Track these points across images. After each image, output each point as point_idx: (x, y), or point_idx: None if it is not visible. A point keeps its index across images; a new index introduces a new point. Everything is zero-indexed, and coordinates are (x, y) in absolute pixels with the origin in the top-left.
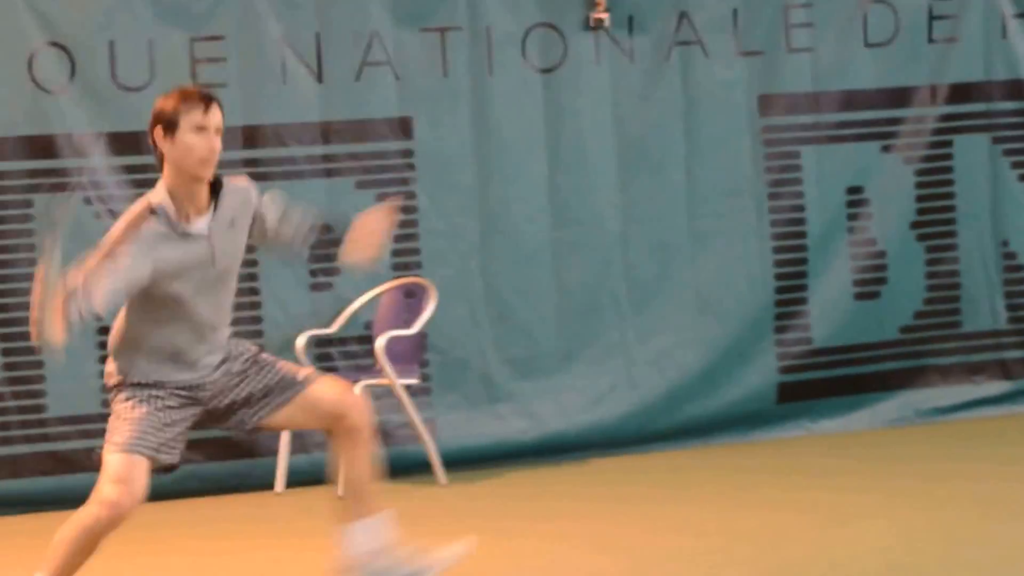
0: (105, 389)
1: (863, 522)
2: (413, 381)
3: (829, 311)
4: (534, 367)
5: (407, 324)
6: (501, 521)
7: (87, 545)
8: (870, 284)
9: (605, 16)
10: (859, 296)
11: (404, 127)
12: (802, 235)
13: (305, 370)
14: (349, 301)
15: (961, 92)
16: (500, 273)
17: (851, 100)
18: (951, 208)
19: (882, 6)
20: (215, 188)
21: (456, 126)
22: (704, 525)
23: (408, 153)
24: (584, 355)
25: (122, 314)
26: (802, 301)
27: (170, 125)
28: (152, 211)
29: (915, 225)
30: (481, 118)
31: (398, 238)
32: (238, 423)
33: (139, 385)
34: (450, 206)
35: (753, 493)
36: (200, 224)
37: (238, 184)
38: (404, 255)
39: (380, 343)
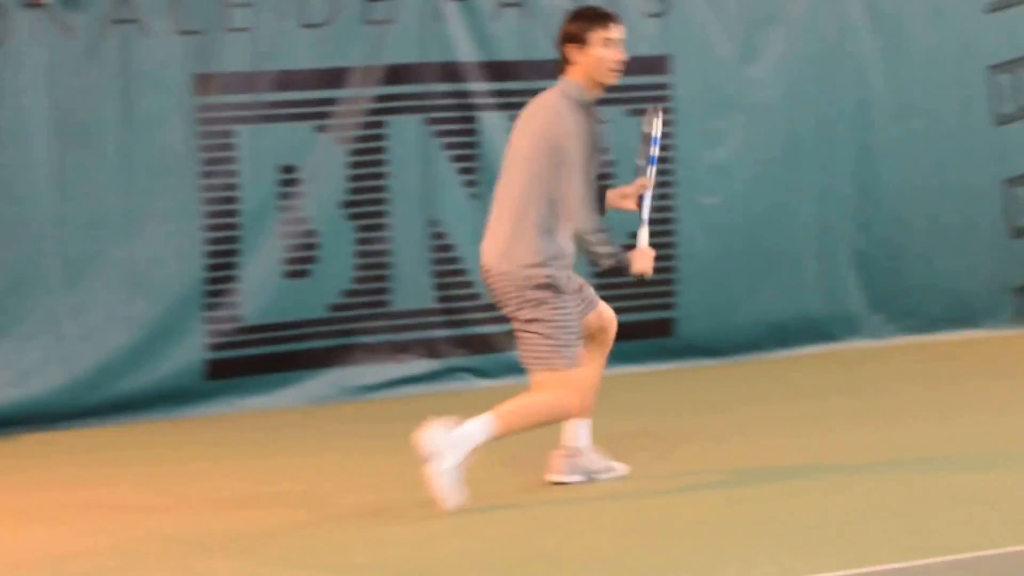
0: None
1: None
2: None
3: (259, 289)
4: None
5: None
6: None
7: (542, 423)
8: (300, 262)
9: None
10: (289, 274)
11: None
12: (234, 213)
13: None
14: None
15: (396, 73)
16: None
17: (287, 80)
18: (383, 188)
19: None
20: None
21: None
22: (123, 500)
23: None
24: (13, 331)
25: (536, 215)
26: (233, 279)
27: (581, 40)
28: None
29: (346, 205)
30: None
31: None
32: None
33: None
34: None
35: (169, 468)
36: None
37: None
38: None
39: None
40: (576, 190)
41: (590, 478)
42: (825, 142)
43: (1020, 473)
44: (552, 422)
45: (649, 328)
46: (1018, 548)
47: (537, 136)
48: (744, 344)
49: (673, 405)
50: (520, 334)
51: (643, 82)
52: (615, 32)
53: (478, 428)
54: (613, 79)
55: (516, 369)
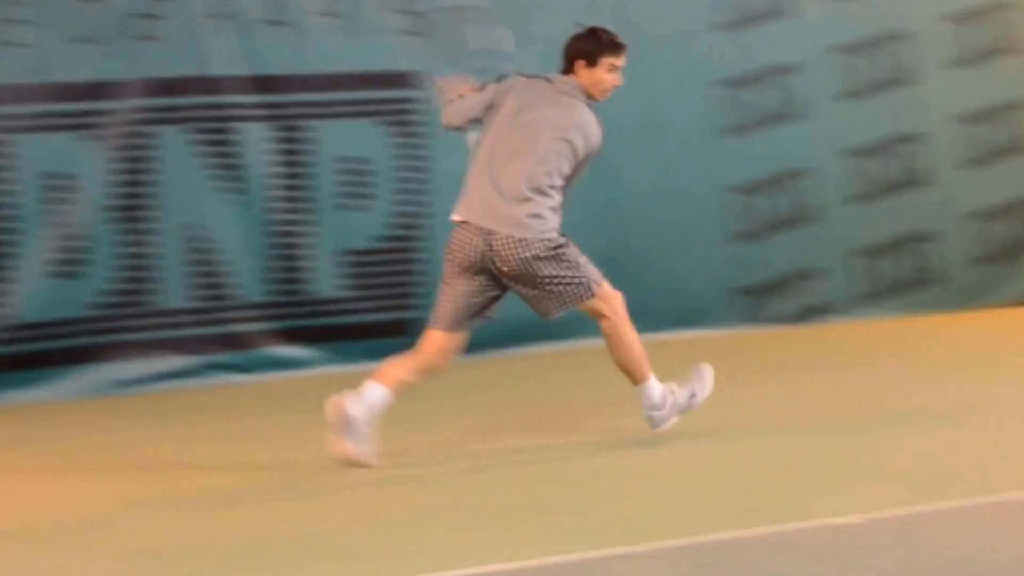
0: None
1: None
2: None
3: (30, 289)
4: None
5: None
6: None
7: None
8: (69, 264)
9: None
10: (58, 275)
11: None
12: (6, 218)
13: None
14: None
15: (162, 86)
16: None
17: (56, 92)
18: (148, 195)
19: (100, 4)
20: None
21: None
22: None
23: None
24: None
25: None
26: (4, 280)
27: (591, 60)
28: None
29: (113, 210)
30: None
31: None
32: None
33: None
34: None
35: None
36: None
37: None
38: None
39: None
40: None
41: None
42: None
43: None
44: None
45: (388, 328)
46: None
47: (576, 127)
48: (479, 344)
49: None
50: (543, 291)
51: (395, 96)
52: (621, 61)
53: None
54: (603, 99)
55: (273, 364)
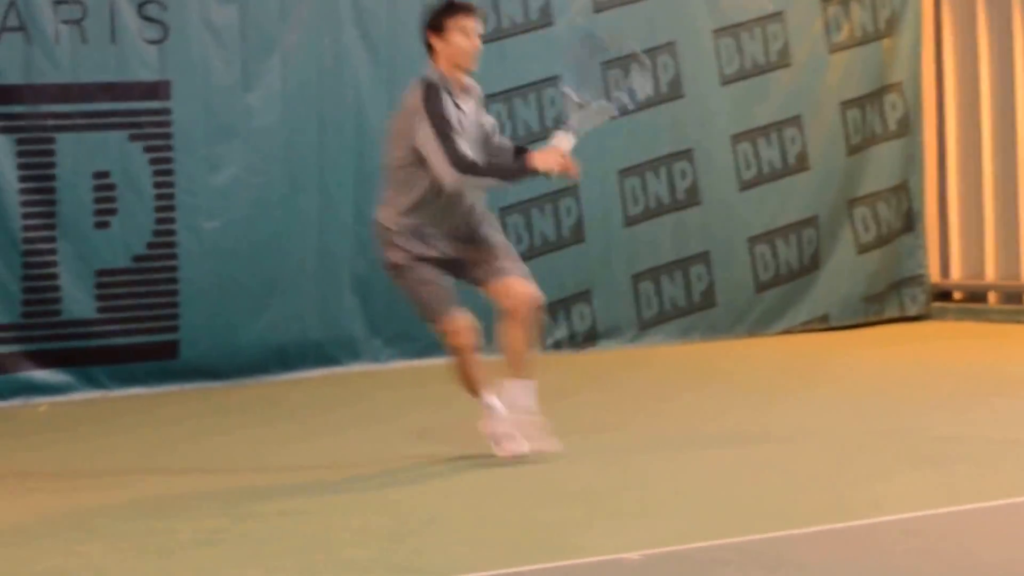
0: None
1: None
2: None
3: None
4: None
5: None
6: None
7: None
8: None
9: None
10: None
11: None
12: None
13: None
14: None
15: None
16: None
17: None
18: None
19: None
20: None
21: None
22: None
23: None
24: None
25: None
26: None
27: (439, 28)
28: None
29: None
30: None
31: None
32: None
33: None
34: None
35: None
36: (464, 103)
37: (471, 81)
38: None
39: None
40: (434, 150)
41: None
42: (324, 168)
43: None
44: None
45: (154, 350)
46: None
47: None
48: (246, 367)
49: (180, 422)
50: None
51: (144, 107)
52: (472, 22)
53: None
54: (472, 64)
55: (22, 389)
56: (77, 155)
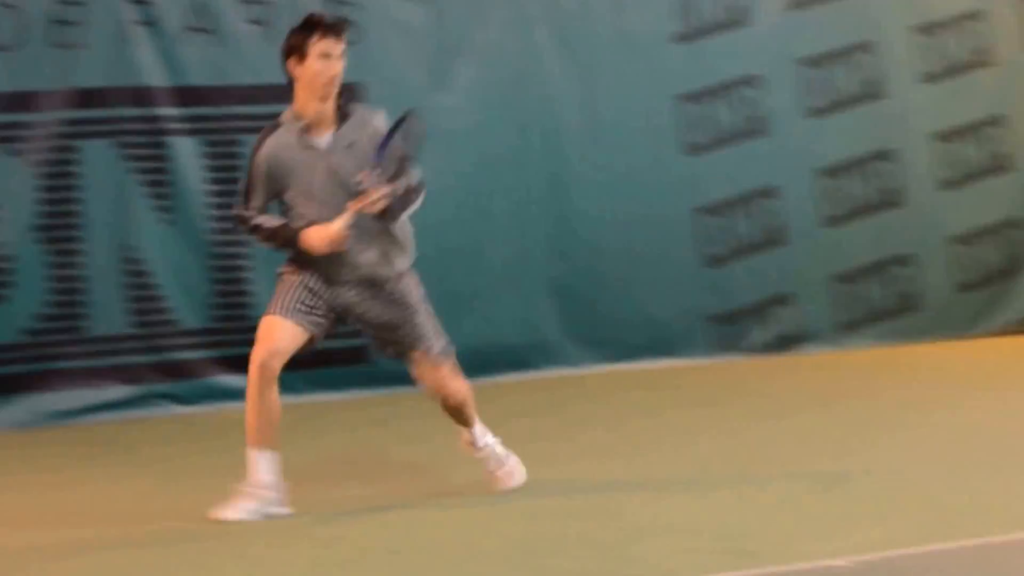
0: None
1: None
2: None
3: None
4: None
5: None
6: None
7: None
8: None
9: None
10: None
11: None
12: None
13: None
14: None
15: (86, 97)
16: None
17: None
18: (75, 213)
19: (4, 9)
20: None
21: None
22: None
23: None
24: None
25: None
26: None
27: (302, 53)
28: (278, 124)
29: (39, 229)
30: None
31: None
32: None
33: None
34: None
35: None
36: (321, 140)
37: (365, 113)
38: None
39: None
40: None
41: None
42: (519, 170)
43: (716, 499)
44: None
45: (347, 355)
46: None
47: None
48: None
49: (374, 433)
50: None
51: None
52: (332, 43)
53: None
54: (330, 90)
55: (214, 395)
56: None
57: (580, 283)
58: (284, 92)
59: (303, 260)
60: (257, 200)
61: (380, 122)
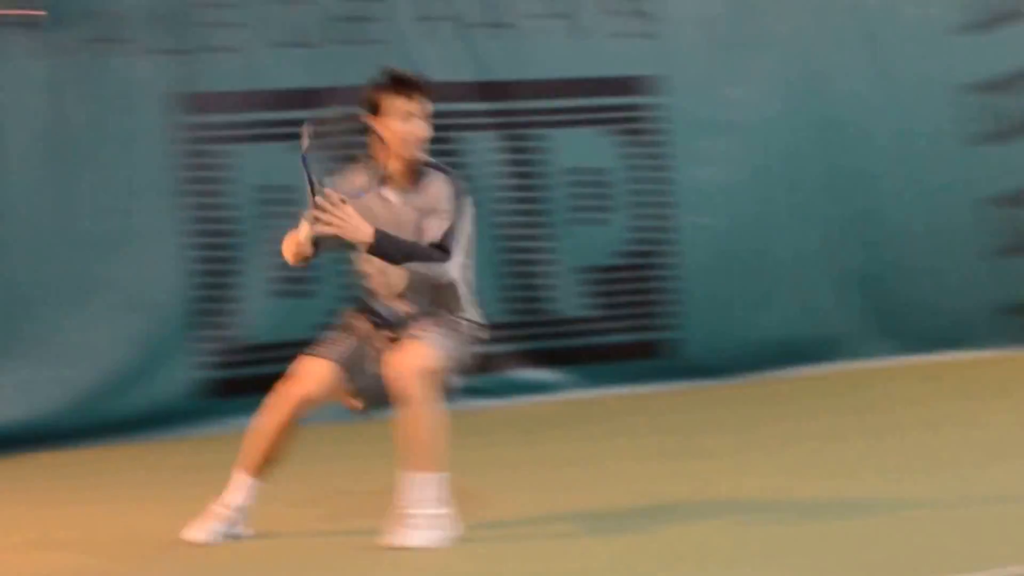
0: None
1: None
2: None
3: (255, 308)
4: None
5: None
6: None
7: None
8: (294, 282)
9: (28, 12)
10: (284, 293)
11: None
12: (224, 233)
13: None
14: None
15: None
16: None
17: (274, 100)
18: None
19: (309, 6)
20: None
21: None
22: (135, 521)
23: None
24: (15, 350)
25: None
26: (226, 299)
27: (376, 110)
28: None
29: None
30: None
31: None
32: None
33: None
34: None
35: (176, 490)
36: (393, 195)
37: (442, 181)
38: None
39: None
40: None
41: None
42: (822, 161)
43: None
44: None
45: (646, 348)
46: None
47: None
48: (747, 364)
49: (680, 424)
50: None
51: (634, 102)
52: (415, 105)
53: None
54: (413, 152)
55: (512, 389)
56: (565, 151)
57: (874, 275)
58: (585, 85)
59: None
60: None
61: (441, 186)
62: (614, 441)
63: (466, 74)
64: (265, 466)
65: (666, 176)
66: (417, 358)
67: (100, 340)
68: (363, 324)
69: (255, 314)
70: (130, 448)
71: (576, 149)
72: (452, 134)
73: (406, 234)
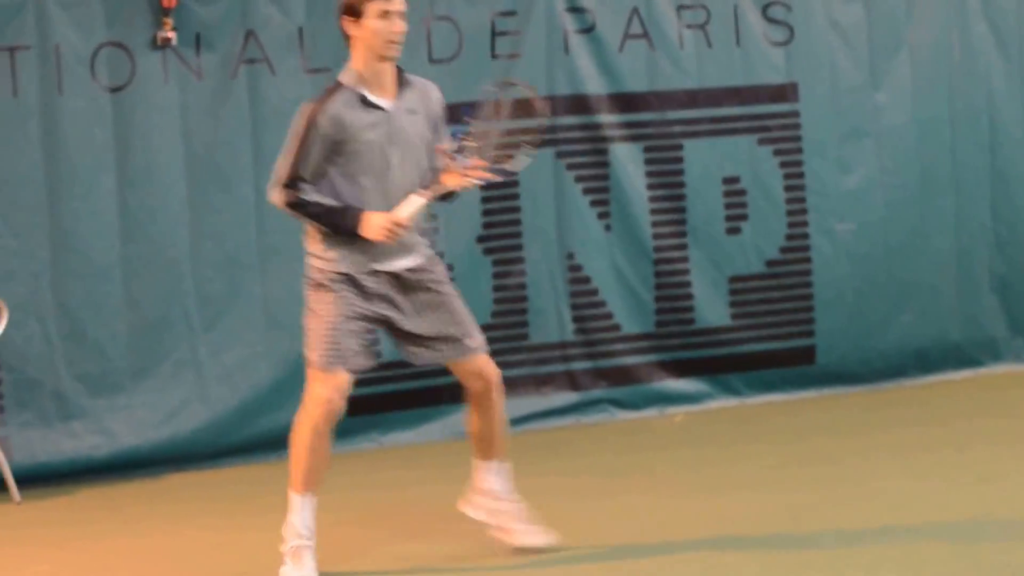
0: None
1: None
2: None
3: None
4: (106, 383)
5: None
6: (76, 540)
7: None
8: None
9: (172, 35)
10: None
11: None
12: None
13: None
14: None
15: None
16: (71, 290)
17: None
18: (517, 222)
19: (445, 23)
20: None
21: (25, 145)
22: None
23: None
24: (156, 371)
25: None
26: None
27: (356, 12)
28: (338, 85)
29: (481, 239)
30: (50, 137)
31: None
32: None
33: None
34: (20, 224)
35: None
36: (384, 101)
37: (427, 84)
38: None
39: None
40: (279, 166)
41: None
42: (958, 166)
43: None
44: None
45: (790, 356)
46: None
47: None
48: (884, 371)
49: (820, 430)
50: None
51: (772, 110)
52: (396, 3)
53: None
54: (394, 52)
55: (657, 400)
56: (706, 161)
57: (1010, 279)
58: (724, 95)
59: (333, 255)
60: (307, 171)
61: (439, 96)
62: (756, 447)
63: (605, 87)
64: (319, 483)
65: (805, 183)
66: (491, 364)
67: (241, 360)
68: (354, 299)
69: None
70: (273, 466)
71: (717, 158)
72: (596, 146)
73: (407, 140)
